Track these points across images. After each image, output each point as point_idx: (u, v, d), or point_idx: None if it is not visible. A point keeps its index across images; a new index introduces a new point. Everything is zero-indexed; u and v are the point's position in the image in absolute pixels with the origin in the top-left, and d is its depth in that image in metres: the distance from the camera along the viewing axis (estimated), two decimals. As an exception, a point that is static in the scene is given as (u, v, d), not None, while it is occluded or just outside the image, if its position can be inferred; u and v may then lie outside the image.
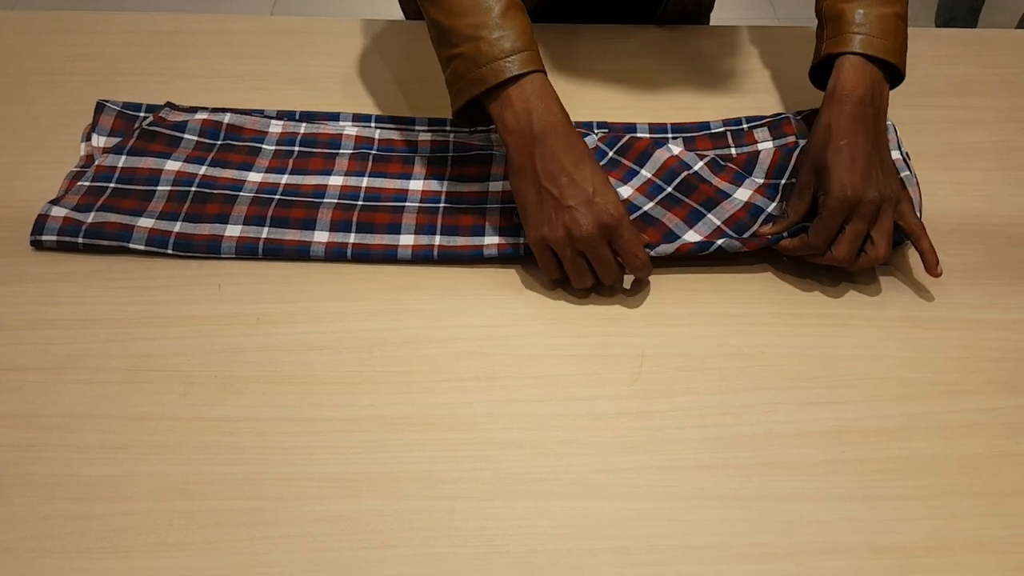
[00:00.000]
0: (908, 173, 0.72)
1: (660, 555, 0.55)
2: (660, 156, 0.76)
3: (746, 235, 0.71)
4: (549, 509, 0.57)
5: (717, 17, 1.03)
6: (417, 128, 0.81)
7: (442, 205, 0.74)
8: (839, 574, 0.54)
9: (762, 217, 0.72)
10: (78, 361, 0.64)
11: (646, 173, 0.76)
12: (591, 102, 0.85)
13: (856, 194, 0.65)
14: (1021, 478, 0.59)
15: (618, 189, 0.74)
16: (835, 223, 0.66)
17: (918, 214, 0.70)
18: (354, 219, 0.72)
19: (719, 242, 0.69)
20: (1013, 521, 0.57)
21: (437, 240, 0.71)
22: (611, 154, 0.77)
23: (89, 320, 0.66)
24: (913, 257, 0.72)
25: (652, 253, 0.70)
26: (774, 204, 0.73)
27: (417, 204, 0.74)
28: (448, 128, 0.82)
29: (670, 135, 0.81)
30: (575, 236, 0.64)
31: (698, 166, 0.76)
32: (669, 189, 0.74)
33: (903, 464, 0.60)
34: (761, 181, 0.75)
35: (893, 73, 0.70)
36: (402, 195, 0.74)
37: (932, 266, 0.68)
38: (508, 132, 0.65)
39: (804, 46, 0.93)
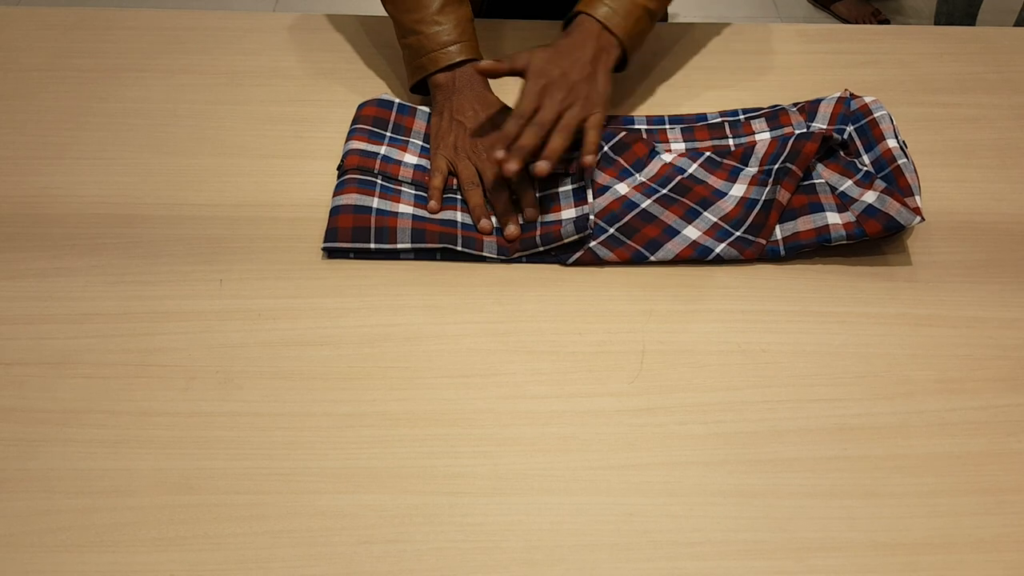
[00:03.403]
0: (906, 160, 0.72)
1: (660, 551, 0.55)
2: (654, 166, 0.77)
3: (742, 230, 0.72)
4: (549, 505, 0.57)
5: (720, 15, 1.03)
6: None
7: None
8: (840, 571, 0.54)
9: (757, 208, 0.72)
10: (79, 356, 0.64)
11: (640, 177, 0.76)
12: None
13: (541, 65, 0.73)
14: (1022, 476, 0.59)
15: (615, 186, 0.74)
16: (528, 93, 0.72)
17: (918, 201, 0.71)
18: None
19: (717, 250, 0.70)
20: (1015, 519, 0.57)
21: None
22: (606, 148, 0.77)
23: (90, 315, 0.66)
24: (916, 255, 0.72)
25: (652, 258, 0.71)
26: (767, 190, 0.73)
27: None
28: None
29: (667, 126, 0.81)
30: (459, 145, 0.76)
31: (692, 168, 0.76)
32: (664, 191, 0.75)
33: (904, 461, 0.59)
34: (755, 170, 0.75)
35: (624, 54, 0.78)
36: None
37: (583, 153, 0.71)
38: (437, 88, 0.79)
39: (807, 45, 0.93)
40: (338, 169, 0.76)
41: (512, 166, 0.68)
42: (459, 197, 0.74)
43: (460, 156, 0.75)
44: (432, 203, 0.73)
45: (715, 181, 0.75)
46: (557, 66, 0.73)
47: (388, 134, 0.79)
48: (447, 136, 0.76)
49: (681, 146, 0.80)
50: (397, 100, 0.82)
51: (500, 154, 0.69)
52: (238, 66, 0.88)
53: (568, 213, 0.71)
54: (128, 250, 0.71)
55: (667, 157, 0.77)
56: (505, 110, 0.78)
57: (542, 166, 0.69)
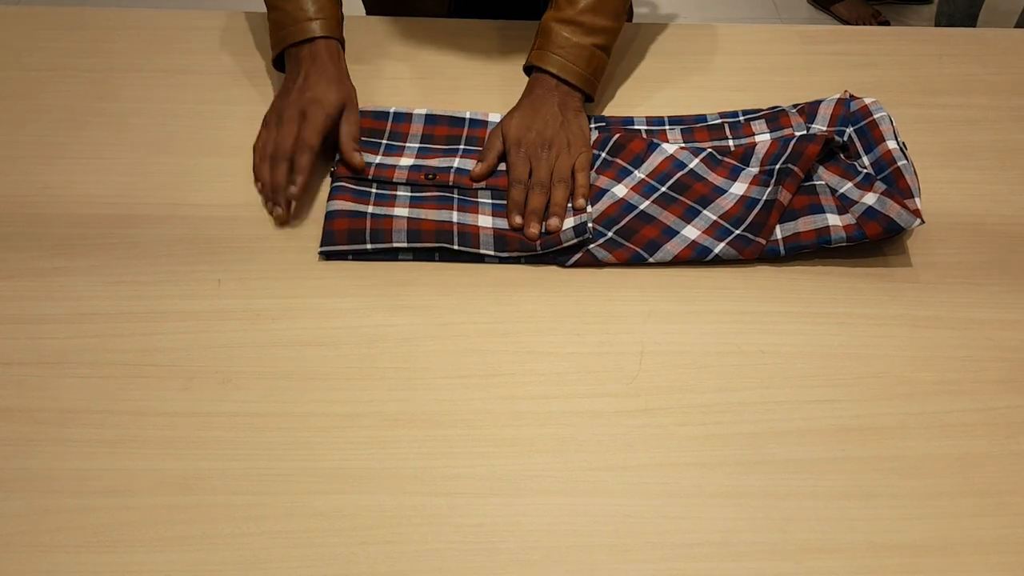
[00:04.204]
0: (906, 162, 0.72)
1: (658, 552, 0.55)
2: (654, 160, 0.76)
3: (742, 228, 0.71)
4: (547, 506, 0.57)
5: (720, 16, 1.03)
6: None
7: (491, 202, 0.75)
8: (838, 573, 0.54)
9: (757, 207, 0.72)
10: (77, 356, 0.64)
11: (639, 174, 0.76)
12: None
13: (518, 134, 0.76)
14: (1021, 477, 0.59)
15: (612, 188, 0.75)
16: (516, 162, 0.75)
17: (918, 203, 0.71)
18: None
19: (716, 250, 0.70)
20: (1014, 521, 0.57)
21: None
22: (604, 155, 0.77)
23: (88, 315, 0.66)
24: (915, 256, 0.72)
25: (651, 259, 0.71)
26: (768, 190, 0.73)
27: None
28: None
29: (667, 127, 0.81)
30: (275, 106, 0.77)
31: (693, 163, 0.76)
32: (663, 189, 0.74)
33: (903, 463, 0.59)
34: (756, 170, 0.75)
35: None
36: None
37: (575, 197, 0.74)
38: (288, 61, 0.80)
39: (807, 46, 0.93)
40: (331, 175, 0.76)
41: (533, 230, 0.71)
42: (455, 196, 0.74)
43: (269, 123, 0.77)
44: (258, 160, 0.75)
45: (715, 178, 0.75)
46: (530, 128, 0.76)
47: (384, 142, 0.79)
48: (275, 102, 0.78)
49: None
50: (392, 109, 0.82)
51: (517, 220, 0.72)
52: (238, 66, 0.88)
53: (568, 222, 0.72)
54: (127, 250, 0.71)
55: (669, 148, 0.77)
56: (343, 89, 0.78)
57: (554, 223, 0.72)
